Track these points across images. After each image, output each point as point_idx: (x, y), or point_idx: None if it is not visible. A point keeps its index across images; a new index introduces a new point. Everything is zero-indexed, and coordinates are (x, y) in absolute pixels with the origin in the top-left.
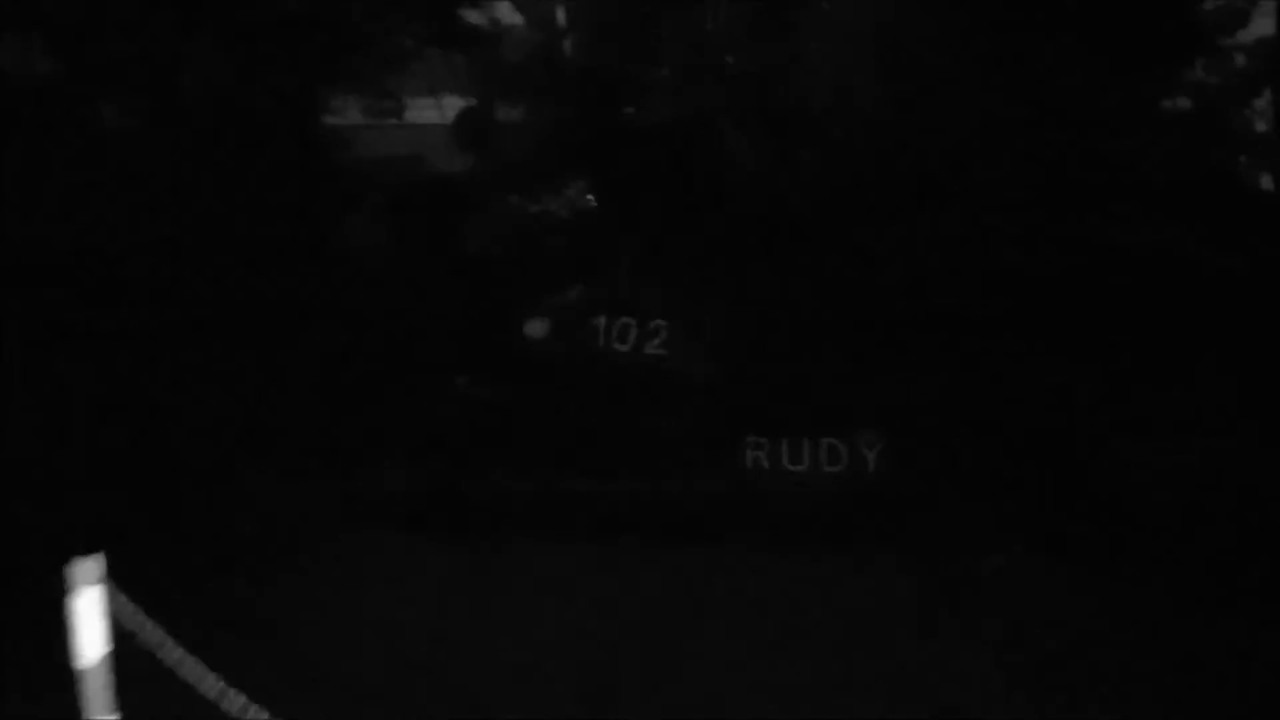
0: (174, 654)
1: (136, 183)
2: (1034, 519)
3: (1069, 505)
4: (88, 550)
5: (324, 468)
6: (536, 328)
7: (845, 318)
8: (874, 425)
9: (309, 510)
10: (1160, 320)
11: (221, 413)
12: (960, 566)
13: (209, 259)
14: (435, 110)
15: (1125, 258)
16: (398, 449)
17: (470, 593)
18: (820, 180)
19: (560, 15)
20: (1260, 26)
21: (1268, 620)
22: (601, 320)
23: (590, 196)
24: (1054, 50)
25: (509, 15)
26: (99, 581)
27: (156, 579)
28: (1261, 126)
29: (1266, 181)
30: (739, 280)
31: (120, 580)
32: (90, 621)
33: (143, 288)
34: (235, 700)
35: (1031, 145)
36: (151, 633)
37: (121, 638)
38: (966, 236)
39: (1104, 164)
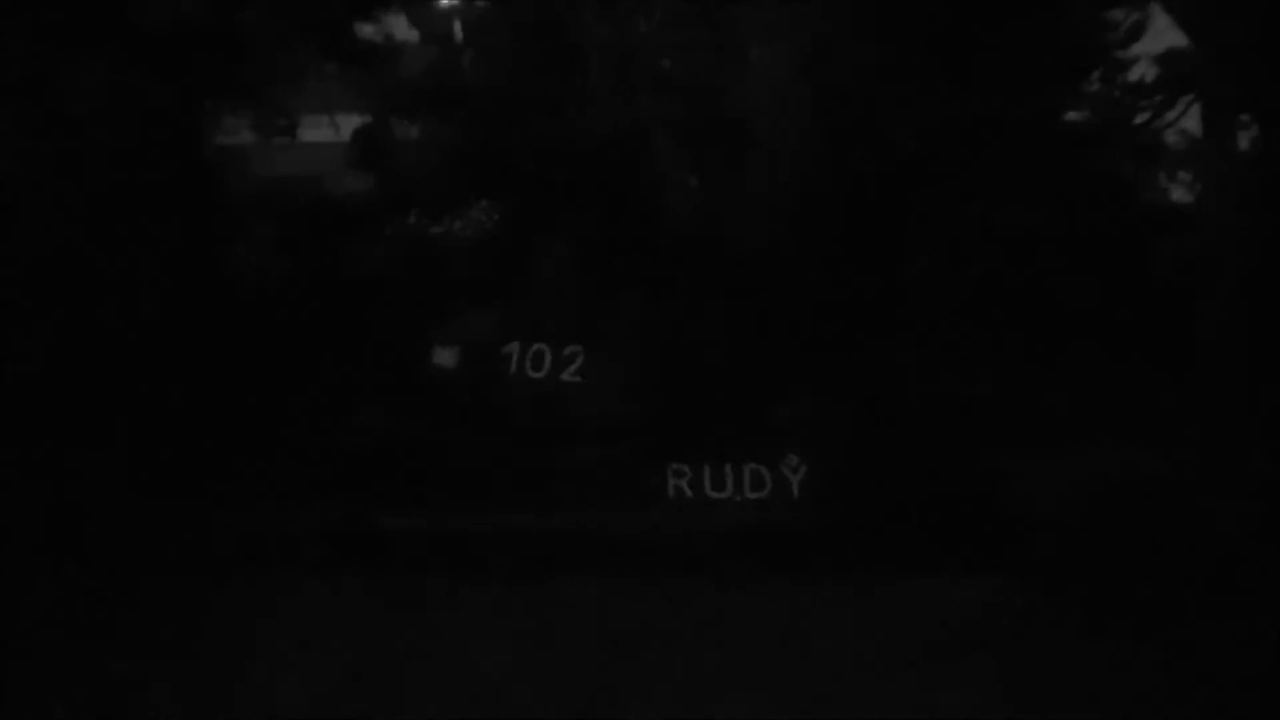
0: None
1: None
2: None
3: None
4: None
5: (225, 504)
6: (445, 356)
7: (765, 337)
8: (796, 448)
9: (213, 547)
10: (1057, 333)
11: (109, 447)
12: (890, 592)
13: (86, 284)
14: (332, 129)
15: (1024, 270)
16: (302, 485)
17: (382, 632)
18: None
19: (458, 30)
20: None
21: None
22: (515, 347)
23: (494, 217)
24: (956, 66)
25: (405, 31)
26: None
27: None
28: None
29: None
30: (659, 303)
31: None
32: None
33: (14, 315)
34: None
35: (941, 158)
36: None
37: None
38: (889, 252)
39: (1001, 175)
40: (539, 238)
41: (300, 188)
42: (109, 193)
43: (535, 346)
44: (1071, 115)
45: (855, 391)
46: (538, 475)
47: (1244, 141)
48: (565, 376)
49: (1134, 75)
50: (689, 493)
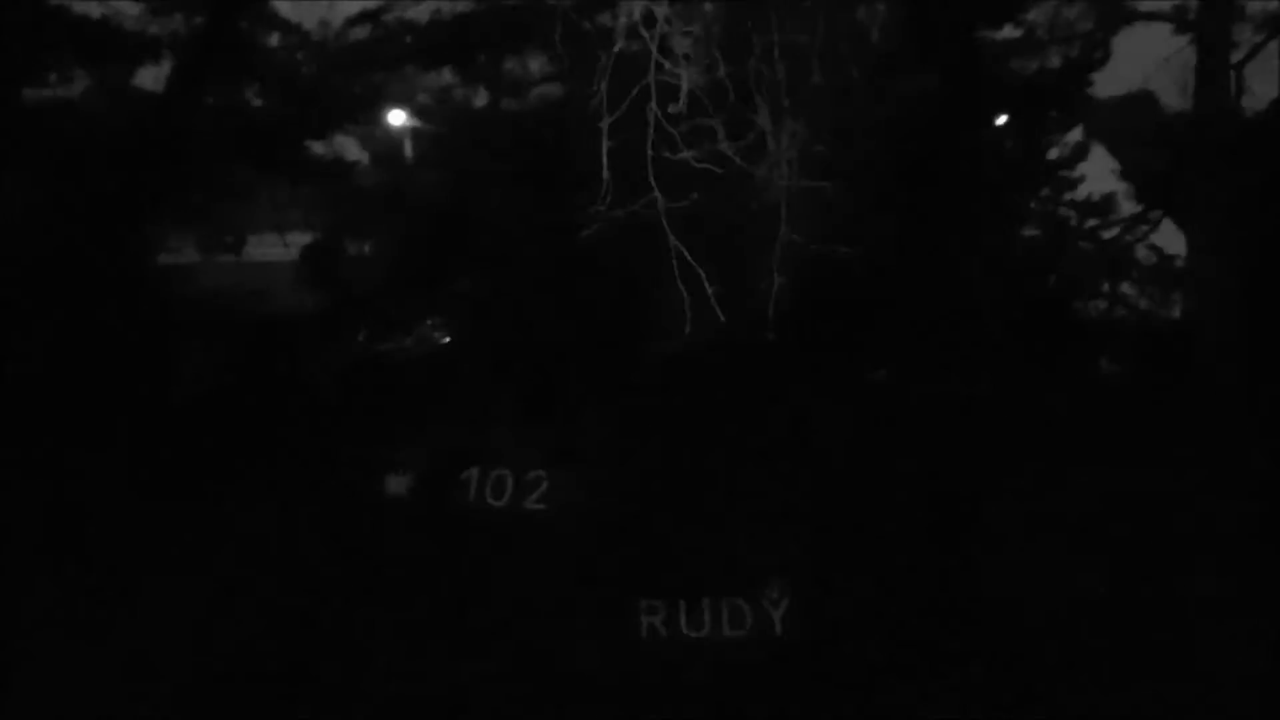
0: None
1: None
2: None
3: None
4: None
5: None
6: (397, 484)
7: (742, 460)
8: (777, 578)
9: None
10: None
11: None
12: None
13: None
14: (283, 247)
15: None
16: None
17: None
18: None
19: (408, 148)
20: None
21: None
22: (473, 473)
23: (443, 334)
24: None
25: (355, 152)
26: None
27: None
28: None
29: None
30: (632, 421)
31: None
32: None
33: None
34: None
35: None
36: None
37: None
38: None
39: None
40: (493, 355)
41: (246, 303)
42: (48, 310)
43: (497, 472)
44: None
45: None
46: (493, 614)
47: None
48: (528, 504)
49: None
50: (663, 631)
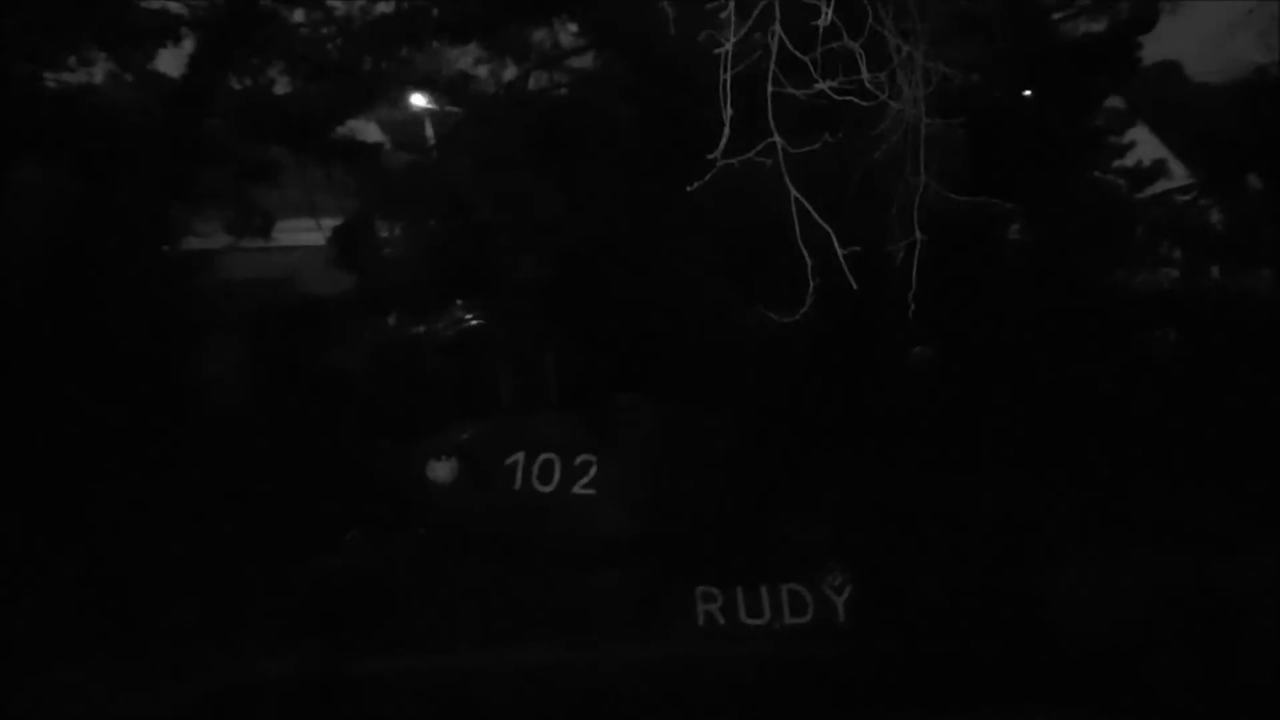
0: None
1: None
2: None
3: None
4: None
5: (179, 650)
6: (441, 470)
7: (798, 444)
8: (839, 564)
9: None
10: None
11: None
12: None
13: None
14: (310, 232)
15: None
16: (272, 626)
17: None
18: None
19: (430, 132)
20: None
21: None
22: (519, 457)
23: (474, 317)
24: None
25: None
26: None
27: None
28: None
29: None
30: (678, 407)
31: None
32: None
33: None
34: None
35: None
36: None
37: None
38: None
39: None
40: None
41: (273, 290)
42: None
43: (543, 456)
44: None
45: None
46: (544, 605)
47: None
48: (577, 490)
49: None
50: (721, 620)
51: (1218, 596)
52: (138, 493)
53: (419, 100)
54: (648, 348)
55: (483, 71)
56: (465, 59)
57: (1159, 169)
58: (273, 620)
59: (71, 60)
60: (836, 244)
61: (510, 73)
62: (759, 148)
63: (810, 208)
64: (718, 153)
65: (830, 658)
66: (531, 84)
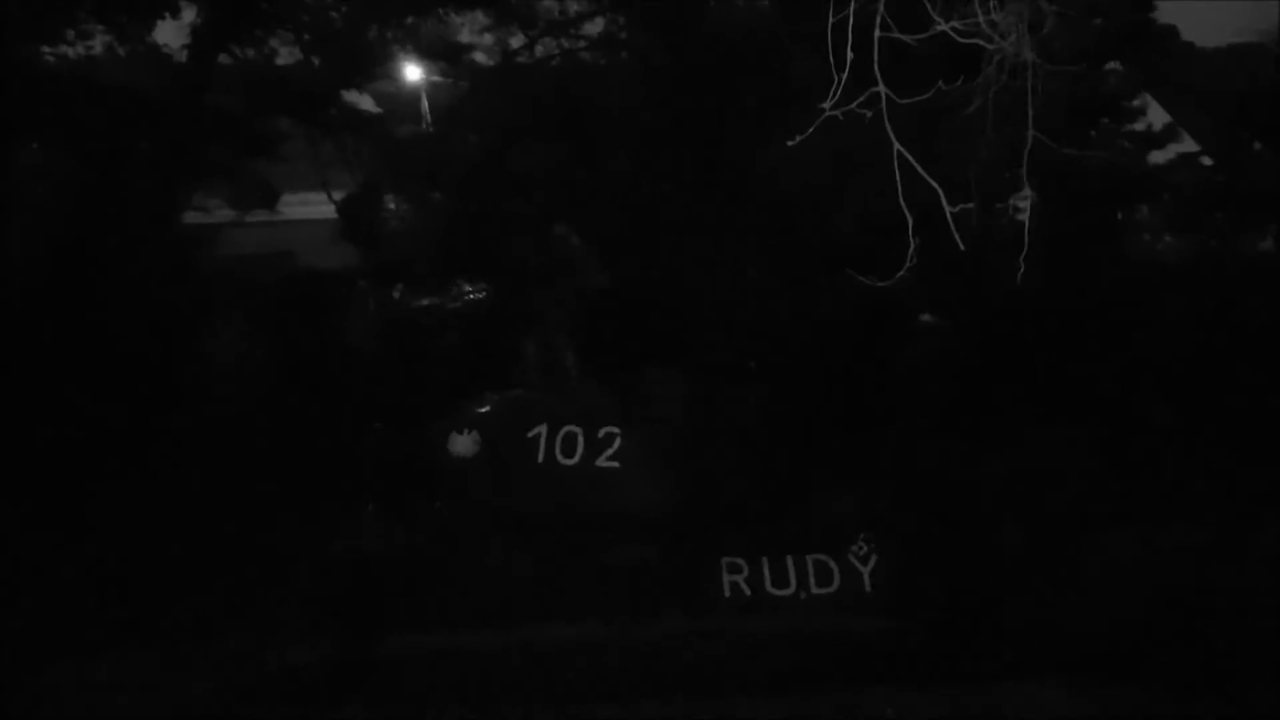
0: None
1: None
2: None
3: None
4: None
5: (196, 636)
6: (462, 444)
7: (820, 413)
8: (866, 533)
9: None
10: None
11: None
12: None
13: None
14: (316, 205)
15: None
16: (293, 608)
17: None
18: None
19: (425, 107)
20: None
21: None
22: (542, 430)
23: (478, 289)
24: None
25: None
26: None
27: None
28: None
29: None
30: (702, 379)
31: None
32: None
33: None
34: None
35: None
36: None
37: None
38: None
39: None
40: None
41: (276, 263)
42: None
43: (566, 429)
44: None
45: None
46: (569, 579)
47: None
48: (600, 462)
49: None
50: (747, 591)
51: (1244, 569)
52: (146, 477)
53: (415, 73)
54: (674, 321)
55: (488, 39)
56: (470, 29)
57: (1171, 133)
58: (294, 604)
59: (70, 34)
60: (945, 202)
61: (518, 40)
62: (862, 98)
63: (914, 161)
64: (828, 104)
65: (856, 628)
66: (540, 51)
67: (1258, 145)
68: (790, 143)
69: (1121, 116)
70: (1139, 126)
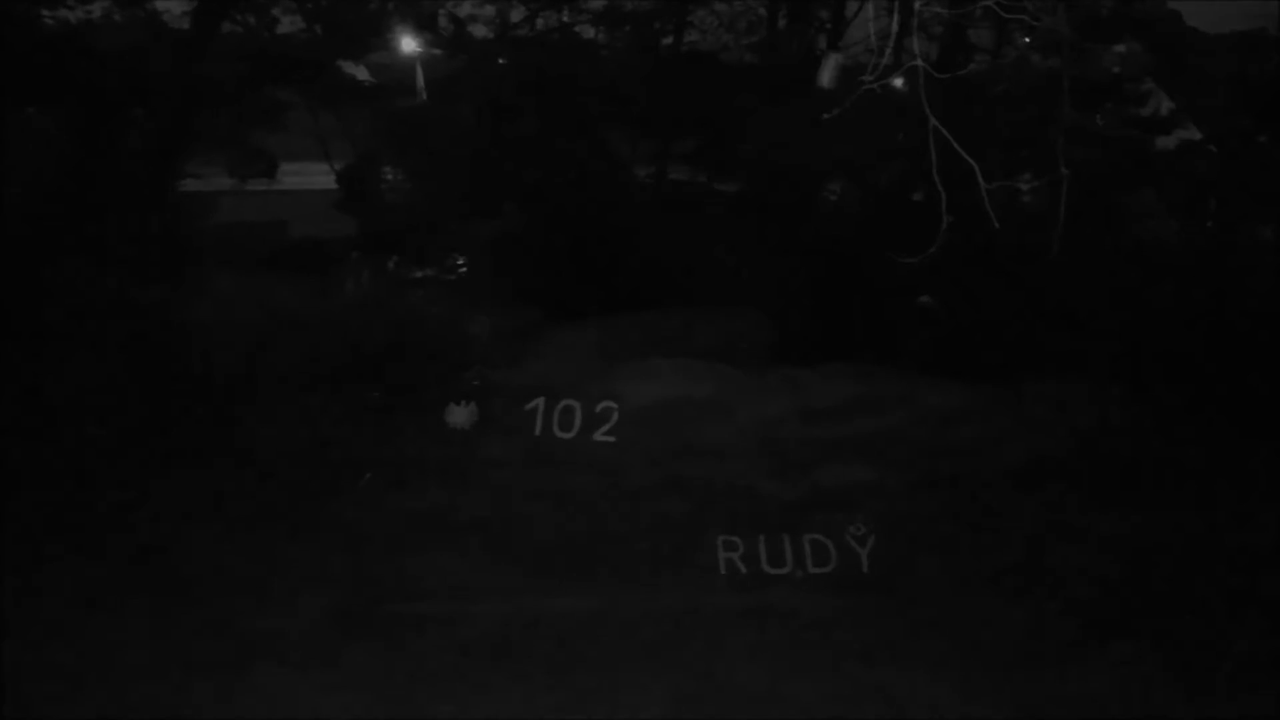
0: None
1: None
2: None
3: None
4: None
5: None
6: (460, 415)
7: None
8: (862, 511)
9: None
10: None
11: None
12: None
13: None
14: (312, 176)
15: None
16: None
17: None
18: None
19: (420, 77)
20: None
21: None
22: (540, 403)
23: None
24: None
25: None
26: None
27: None
28: None
29: None
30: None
31: None
32: None
33: None
34: None
35: None
36: None
37: None
38: None
39: None
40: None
41: (269, 233)
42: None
43: (564, 403)
44: None
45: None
46: (565, 552)
47: None
48: (597, 437)
49: None
50: (742, 568)
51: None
52: (144, 448)
53: (410, 44)
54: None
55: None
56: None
57: (1176, 119)
58: (295, 569)
59: None
60: (980, 178)
61: (519, 13)
62: (900, 70)
63: (950, 137)
64: (869, 76)
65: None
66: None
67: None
68: (827, 115)
69: (1127, 100)
70: (1145, 111)
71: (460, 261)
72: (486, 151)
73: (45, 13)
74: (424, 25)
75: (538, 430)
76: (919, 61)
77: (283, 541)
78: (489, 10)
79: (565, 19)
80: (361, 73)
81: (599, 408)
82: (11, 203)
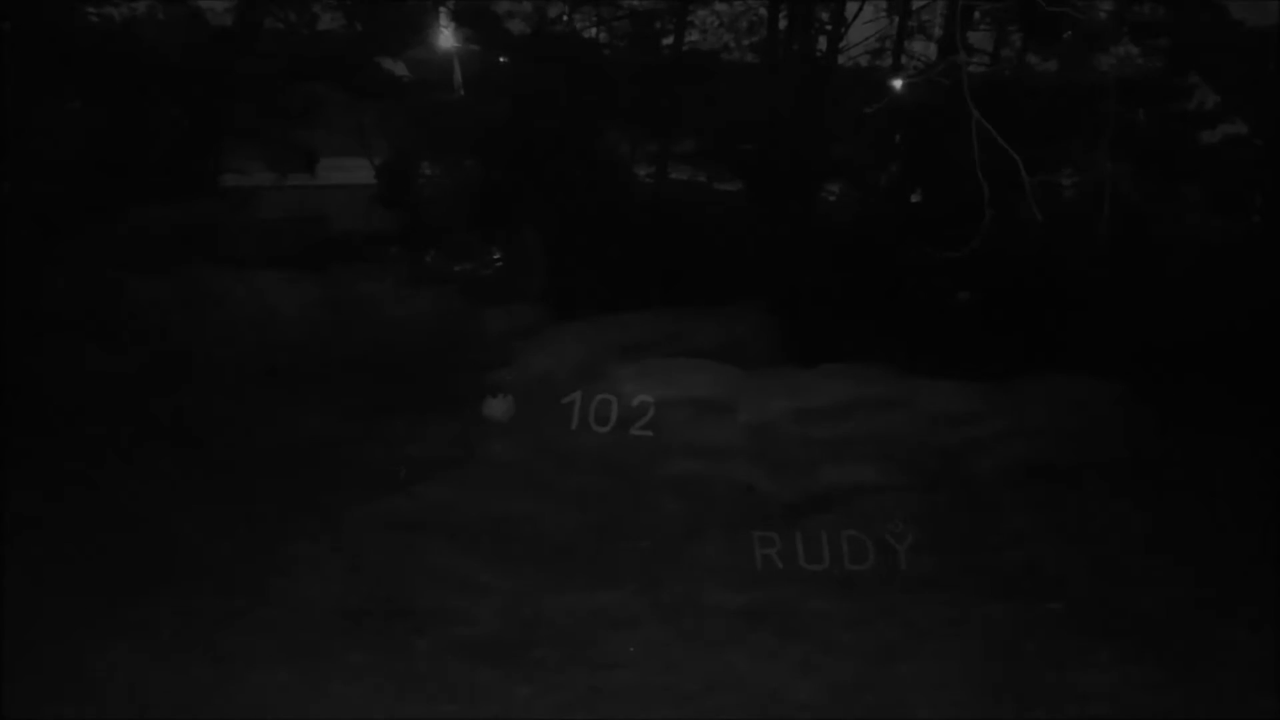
0: None
1: None
2: None
3: None
4: None
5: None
6: (497, 408)
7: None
8: (901, 510)
9: None
10: None
11: None
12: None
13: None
14: (354, 170)
15: None
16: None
17: None
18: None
19: (458, 72)
20: None
21: None
22: (576, 397)
23: (499, 257)
24: None
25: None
26: None
27: None
28: None
29: None
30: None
31: None
32: None
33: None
34: None
35: None
36: None
37: None
38: None
39: None
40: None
41: (307, 228)
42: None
43: (600, 396)
44: None
45: None
46: (599, 544)
47: None
48: (634, 431)
49: None
50: (779, 564)
51: None
52: (173, 440)
53: (447, 39)
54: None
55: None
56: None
57: (1220, 113)
58: (331, 562)
59: None
60: (1024, 172)
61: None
62: (940, 65)
63: (994, 131)
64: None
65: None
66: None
67: None
68: (868, 110)
69: (1170, 96)
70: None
71: (497, 256)
72: (513, 147)
73: (90, 9)
74: (462, 21)
75: (574, 424)
76: (961, 55)
77: (305, 540)
78: (526, 6)
79: (598, 16)
80: (400, 68)
81: (635, 402)
82: (47, 194)
